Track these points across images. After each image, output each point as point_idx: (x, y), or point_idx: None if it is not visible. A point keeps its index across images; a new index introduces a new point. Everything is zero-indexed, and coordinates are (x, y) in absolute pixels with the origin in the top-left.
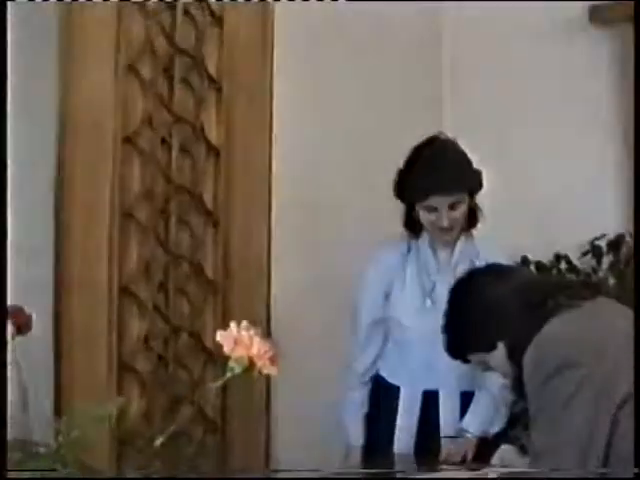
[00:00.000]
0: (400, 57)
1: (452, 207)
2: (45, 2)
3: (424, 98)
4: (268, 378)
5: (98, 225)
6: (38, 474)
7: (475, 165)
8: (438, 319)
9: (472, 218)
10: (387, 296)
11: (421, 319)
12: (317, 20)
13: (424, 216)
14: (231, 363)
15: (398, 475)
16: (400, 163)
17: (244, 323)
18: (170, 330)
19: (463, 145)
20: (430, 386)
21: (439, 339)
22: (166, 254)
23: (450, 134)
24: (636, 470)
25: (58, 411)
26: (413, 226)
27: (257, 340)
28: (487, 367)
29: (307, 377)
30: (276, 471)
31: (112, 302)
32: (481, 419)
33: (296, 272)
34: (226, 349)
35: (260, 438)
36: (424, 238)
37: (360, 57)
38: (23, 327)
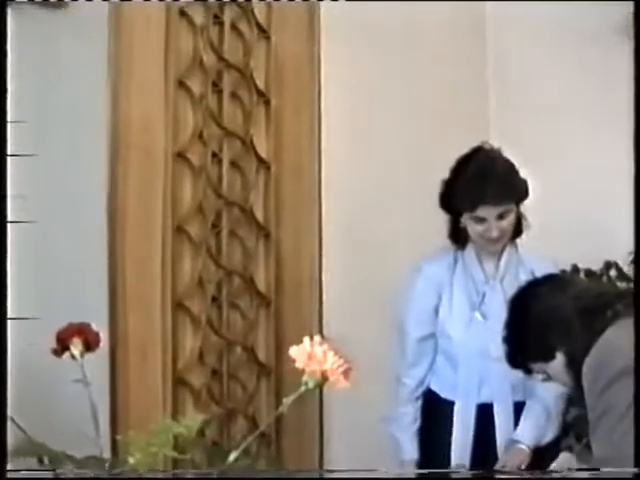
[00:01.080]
0: (446, 63)
1: (501, 217)
2: (96, 21)
3: (471, 105)
4: (321, 392)
5: (151, 240)
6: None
7: (524, 173)
8: (488, 331)
9: (517, 228)
10: (436, 310)
11: (471, 332)
12: (363, 31)
13: (472, 227)
14: (305, 378)
15: (454, 476)
16: (446, 172)
17: (317, 338)
18: (224, 344)
19: (510, 153)
20: (484, 399)
21: (490, 351)
22: (218, 268)
23: (497, 142)
24: (636, 470)
25: (114, 426)
26: (458, 237)
27: (330, 355)
28: (547, 377)
29: (360, 390)
30: (331, 471)
31: (166, 317)
32: (534, 429)
33: (347, 284)
34: (299, 364)
35: (313, 452)
36: (469, 249)
37: (407, 66)
38: (92, 344)
